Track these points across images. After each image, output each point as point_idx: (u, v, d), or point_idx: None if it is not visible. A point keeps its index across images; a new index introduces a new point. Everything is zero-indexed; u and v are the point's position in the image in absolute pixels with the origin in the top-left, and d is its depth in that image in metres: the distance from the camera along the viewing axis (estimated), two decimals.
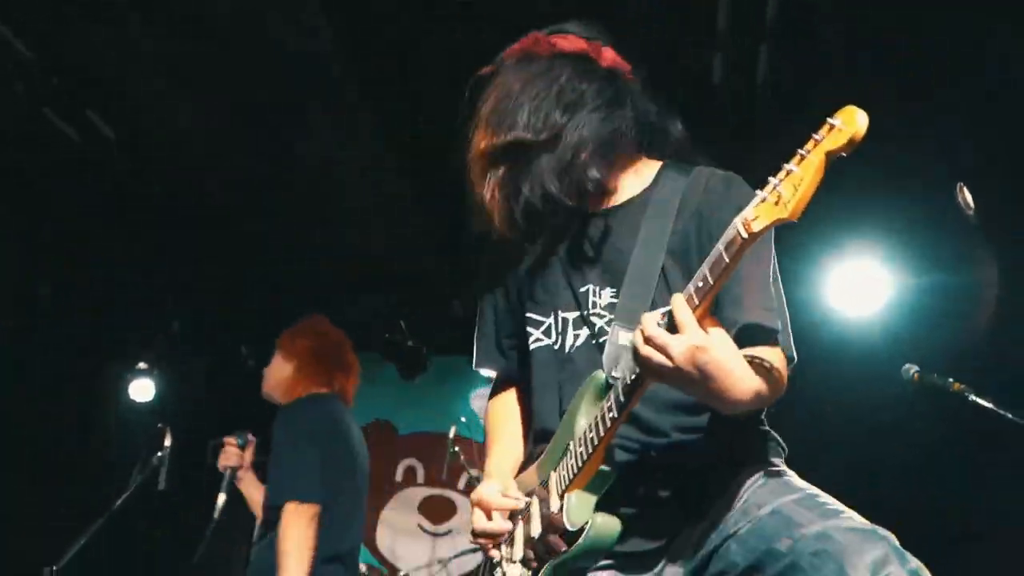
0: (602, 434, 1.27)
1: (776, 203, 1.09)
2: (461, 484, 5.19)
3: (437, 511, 5.16)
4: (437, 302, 4.89)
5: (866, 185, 3.21)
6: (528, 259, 1.54)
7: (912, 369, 2.63)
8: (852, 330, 3.98)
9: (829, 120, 1.06)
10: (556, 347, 1.48)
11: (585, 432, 1.31)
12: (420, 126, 3.47)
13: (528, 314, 1.53)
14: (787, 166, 1.09)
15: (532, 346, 1.51)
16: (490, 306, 1.63)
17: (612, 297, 1.43)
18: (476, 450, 5.09)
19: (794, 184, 1.07)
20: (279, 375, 2.84)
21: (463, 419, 4.72)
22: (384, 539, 5.16)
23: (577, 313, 1.47)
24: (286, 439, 2.59)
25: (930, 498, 3.61)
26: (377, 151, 3.78)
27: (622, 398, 1.24)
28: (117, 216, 4.18)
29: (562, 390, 1.45)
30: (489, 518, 1.43)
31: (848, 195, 2.86)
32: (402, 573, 4.75)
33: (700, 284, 1.16)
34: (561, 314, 1.48)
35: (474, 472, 5.15)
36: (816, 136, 1.07)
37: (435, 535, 5.14)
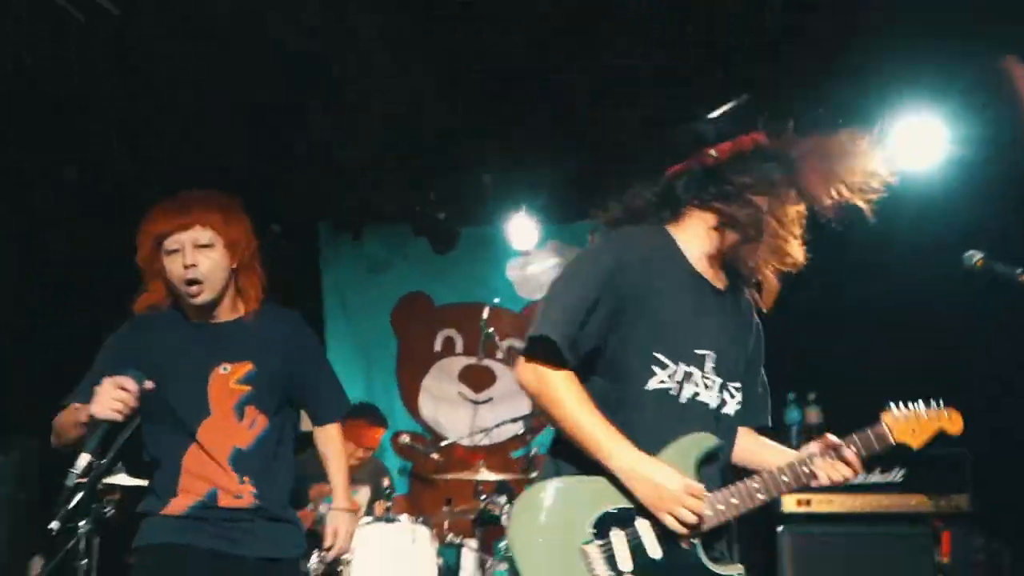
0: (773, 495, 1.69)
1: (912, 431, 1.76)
2: (499, 354, 5.23)
3: (477, 380, 5.26)
4: (467, 173, 4.75)
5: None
6: (664, 302, 1.68)
7: (976, 256, 2.20)
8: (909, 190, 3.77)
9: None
10: (674, 394, 1.66)
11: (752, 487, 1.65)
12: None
13: (655, 354, 1.65)
14: (922, 411, 1.78)
15: (651, 385, 1.65)
16: (601, 307, 1.64)
17: (716, 367, 1.71)
18: (509, 323, 5.10)
19: (914, 430, 1.76)
20: None
21: (496, 300, 4.70)
22: (426, 407, 5.32)
23: (696, 371, 1.68)
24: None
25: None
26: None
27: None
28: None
29: (669, 434, 1.63)
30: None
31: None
32: (447, 440, 4.94)
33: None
34: (683, 367, 1.67)
35: (510, 342, 5.20)
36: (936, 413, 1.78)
37: (476, 403, 5.26)
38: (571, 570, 1.53)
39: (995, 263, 2.13)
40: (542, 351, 1.60)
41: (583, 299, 1.62)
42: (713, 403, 1.70)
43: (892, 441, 1.74)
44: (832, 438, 1.76)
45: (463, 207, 4.85)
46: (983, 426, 3.72)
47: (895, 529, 3.83)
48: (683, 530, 1.56)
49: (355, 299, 5.39)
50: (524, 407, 5.06)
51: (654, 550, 1.56)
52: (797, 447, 3.71)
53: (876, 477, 3.93)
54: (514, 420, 4.81)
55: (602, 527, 1.58)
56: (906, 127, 3.78)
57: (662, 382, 1.64)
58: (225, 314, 2.19)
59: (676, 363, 1.66)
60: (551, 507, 1.59)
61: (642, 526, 1.58)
